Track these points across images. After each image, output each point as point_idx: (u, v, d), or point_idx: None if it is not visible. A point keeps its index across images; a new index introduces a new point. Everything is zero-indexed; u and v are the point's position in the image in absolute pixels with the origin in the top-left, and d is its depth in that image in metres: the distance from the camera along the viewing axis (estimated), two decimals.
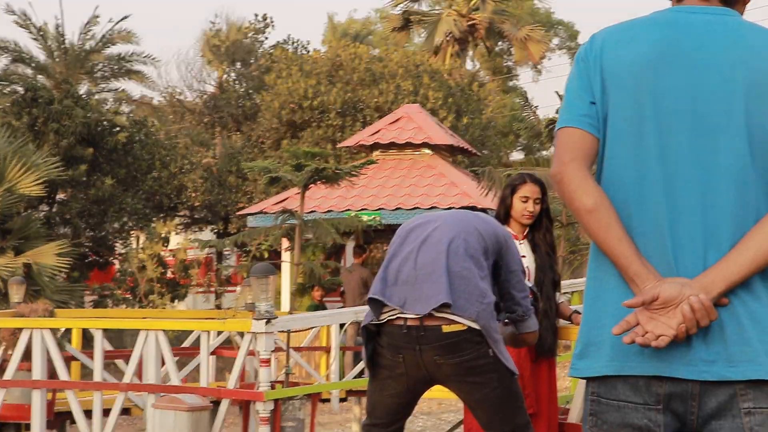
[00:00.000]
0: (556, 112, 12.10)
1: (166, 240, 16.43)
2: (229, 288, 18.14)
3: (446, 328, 3.59)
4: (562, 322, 4.59)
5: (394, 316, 3.67)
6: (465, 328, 3.60)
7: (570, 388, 7.37)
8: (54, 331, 7.39)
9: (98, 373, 7.25)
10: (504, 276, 3.88)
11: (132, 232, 17.95)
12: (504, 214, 4.50)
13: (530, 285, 4.30)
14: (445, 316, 3.60)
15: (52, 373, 7.40)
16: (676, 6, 2.06)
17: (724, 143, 1.91)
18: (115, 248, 17.75)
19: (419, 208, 12.24)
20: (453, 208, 12.02)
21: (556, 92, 11.96)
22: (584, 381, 2.01)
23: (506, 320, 3.97)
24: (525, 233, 4.55)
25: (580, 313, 4.52)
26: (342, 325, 9.48)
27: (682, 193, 1.91)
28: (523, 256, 4.41)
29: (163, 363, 7.14)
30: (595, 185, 1.96)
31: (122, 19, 20.20)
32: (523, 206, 4.44)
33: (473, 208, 4.19)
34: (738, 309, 1.86)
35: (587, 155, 1.99)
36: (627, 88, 1.97)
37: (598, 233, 1.92)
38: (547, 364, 4.61)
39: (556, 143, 2.04)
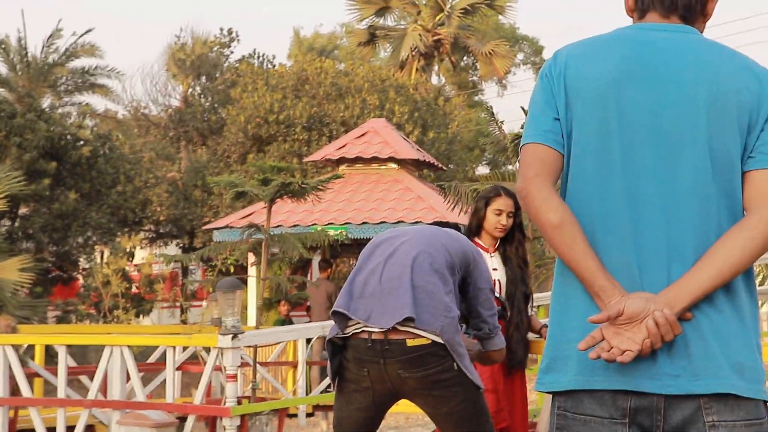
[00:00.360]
0: (521, 127, 12.18)
1: (131, 255, 16.31)
2: (195, 303, 18.03)
3: (410, 342, 3.60)
4: (531, 335, 4.61)
5: (359, 330, 3.68)
6: (429, 342, 3.60)
7: (537, 402, 7.40)
8: (16, 347, 7.30)
9: (62, 390, 7.18)
10: (472, 293, 3.88)
11: (96, 246, 17.79)
12: (476, 226, 4.48)
13: (501, 297, 4.31)
14: (410, 329, 3.61)
15: (14, 390, 7.31)
16: (638, 23, 2.08)
17: (687, 158, 1.93)
18: (79, 263, 17.57)
19: (386, 222, 12.26)
20: (420, 222, 12.06)
21: (522, 107, 12.03)
22: (550, 395, 2.02)
23: (473, 336, 3.97)
24: (496, 246, 4.54)
25: (546, 326, 4.54)
26: (309, 340, 9.45)
27: (645, 207, 1.93)
28: (494, 269, 4.43)
29: (128, 379, 7.09)
30: (559, 201, 1.97)
31: (86, 33, 20.08)
32: (497, 219, 4.43)
33: (446, 224, 4.20)
34: (702, 323, 1.88)
35: (552, 171, 2.01)
36: (591, 104, 1.99)
37: (563, 249, 1.94)
38: (519, 378, 4.62)
39: (521, 159, 2.06)
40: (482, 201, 4.48)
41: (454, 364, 3.63)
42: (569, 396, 1.94)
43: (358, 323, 3.67)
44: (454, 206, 10.44)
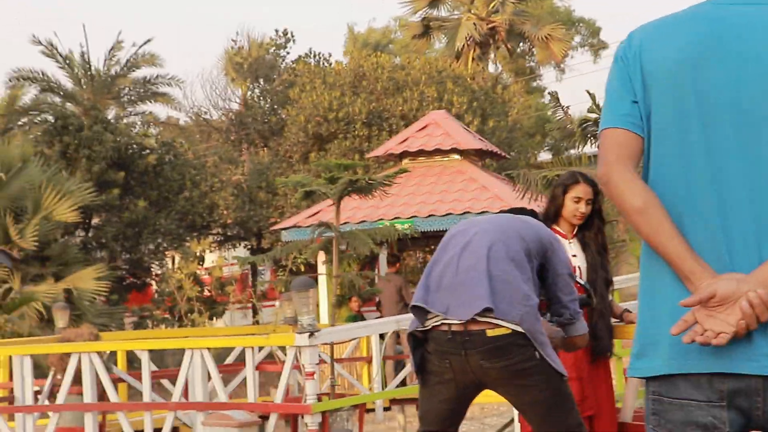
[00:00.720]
0: (589, 111, 12.06)
1: (201, 259, 16.56)
2: (266, 303, 18.24)
3: (490, 333, 3.59)
4: (612, 320, 4.57)
5: (439, 322, 3.68)
6: (510, 331, 3.59)
7: (616, 386, 7.35)
8: (101, 353, 7.50)
9: (147, 394, 7.34)
10: (551, 279, 3.85)
11: (167, 252, 18.11)
12: (554, 213, 4.42)
13: (583, 283, 4.28)
14: (489, 320, 3.60)
15: (101, 396, 7.50)
16: None
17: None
18: (152, 269, 17.92)
19: (452, 214, 12.26)
20: (486, 212, 12.03)
21: (587, 91, 11.92)
22: (642, 380, 2.01)
23: (555, 323, 3.95)
24: (575, 232, 4.48)
25: (630, 311, 4.52)
26: (382, 335, 9.51)
27: (730, 187, 1.91)
28: (574, 256, 4.38)
29: (209, 379, 7.22)
30: (642, 185, 1.96)
31: (145, 43, 20.44)
32: (575, 207, 4.36)
33: (521, 210, 4.18)
34: None
35: (632, 155, 2.00)
36: (669, 86, 1.97)
37: (650, 233, 1.93)
38: (604, 365, 4.57)
39: (600, 144, 2.04)
40: (560, 188, 4.41)
41: (536, 352, 3.61)
42: (664, 381, 1.93)
43: (437, 316, 3.68)
44: (524, 195, 10.37)
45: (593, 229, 4.39)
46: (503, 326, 3.59)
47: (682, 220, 1.94)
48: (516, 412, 7.31)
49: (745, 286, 1.83)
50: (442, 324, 3.67)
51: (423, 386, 3.80)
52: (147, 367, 7.32)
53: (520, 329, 3.59)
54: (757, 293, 1.82)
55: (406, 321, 8.02)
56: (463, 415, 3.88)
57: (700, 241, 1.92)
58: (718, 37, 1.96)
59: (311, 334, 6.49)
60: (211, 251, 20.03)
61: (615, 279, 6.62)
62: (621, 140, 2.00)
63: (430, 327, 3.70)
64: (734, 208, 1.91)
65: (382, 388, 9.31)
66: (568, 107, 11.47)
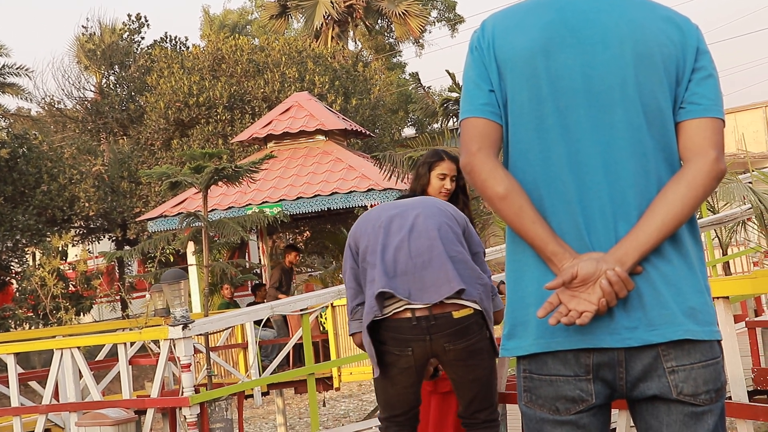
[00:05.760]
0: (449, 90, 12.31)
1: (64, 253, 16.05)
2: (135, 294, 17.85)
3: (456, 314, 3.59)
4: None
5: (402, 308, 3.61)
6: (472, 311, 3.61)
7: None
8: None
9: (15, 398, 7.11)
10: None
11: (27, 248, 17.47)
12: (420, 191, 4.42)
13: None
14: (454, 301, 3.59)
15: None
16: None
17: (620, 117, 1.99)
18: (11, 267, 17.25)
19: (320, 195, 12.28)
20: (354, 192, 12.12)
21: (447, 71, 12.15)
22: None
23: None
24: None
25: (504, 283, 4.66)
26: (258, 322, 9.48)
27: (587, 169, 1.99)
28: None
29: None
30: (504, 172, 2.02)
31: None
32: (441, 183, 4.39)
33: (406, 196, 4.22)
34: (652, 274, 1.96)
35: (493, 143, 2.05)
36: (523, 73, 2.03)
37: (513, 218, 2.00)
38: None
39: (461, 134, 2.09)
40: (425, 166, 4.43)
41: (487, 332, 3.68)
42: (533, 359, 2.01)
43: (399, 302, 3.61)
44: (390, 175, 10.49)
45: (459, 204, 4.42)
46: (467, 306, 3.60)
47: (543, 203, 2.01)
48: None
49: (604, 265, 1.92)
50: (405, 310, 3.60)
51: (382, 376, 3.71)
52: (14, 370, 7.09)
53: (479, 308, 3.62)
54: (615, 271, 1.91)
55: (279, 307, 8.04)
56: (420, 393, 3.83)
57: (561, 223, 2.00)
58: (568, 23, 2.03)
59: (185, 326, 6.42)
60: (73, 245, 19.44)
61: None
62: (481, 129, 2.05)
63: (390, 314, 3.62)
64: (591, 190, 1.99)
65: (259, 375, 9.29)
66: (429, 87, 11.69)
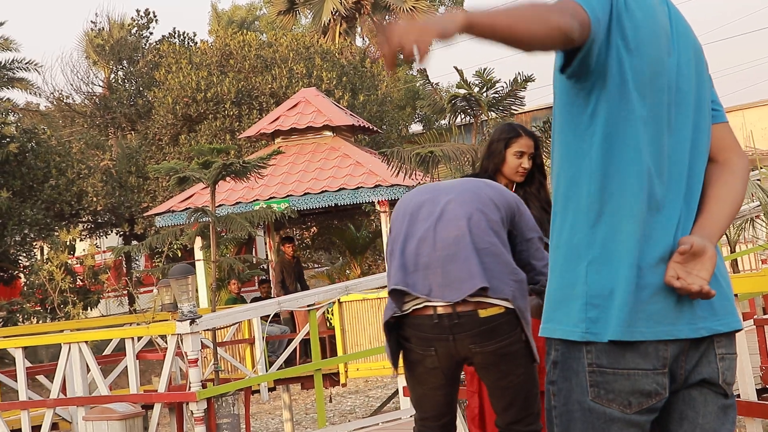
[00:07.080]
0: (457, 87, 12.27)
1: (72, 248, 16.09)
2: (143, 289, 17.88)
3: (483, 313, 3.26)
4: None
5: (421, 305, 3.30)
6: (503, 310, 3.27)
7: None
8: None
9: (23, 392, 7.14)
10: (521, 246, 3.49)
11: (35, 243, 17.51)
12: (493, 170, 3.95)
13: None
14: (480, 299, 3.26)
15: None
16: None
17: (702, 116, 1.98)
18: (20, 261, 17.29)
19: (328, 191, 12.29)
20: (362, 187, 12.13)
21: (455, 67, 12.12)
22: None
23: (529, 291, 3.54)
24: (513, 189, 4.01)
25: None
26: (265, 317, 9.49)
27: (694, 162, 1.95)
28: None
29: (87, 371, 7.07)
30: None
31: None
32: (518, 162, 3.91)
33: (477, 175, 3.83)
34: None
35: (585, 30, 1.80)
36: (643, 54, 1.89)
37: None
38: None
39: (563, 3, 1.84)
40: (501, 143, 3.93)
41: (523, 334, 3.33)
42: (603, 350, 1.87)
43: (418, 298, 3.30)
44: (398, 172, 10.48)
45: (535, 185, 3.98)
46: (496, 305, 3.27)
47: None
48: (401, 385, 7.45)
49: (707, 243, 1.86)
50: (426, 307, 3.29)
51: (410, 375, 3.42)
52: (22, 364, 7.11)
53: (511, 306, 3.28)
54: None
55: (286, 302, 8.04)
56: (456, 398, 3.51)
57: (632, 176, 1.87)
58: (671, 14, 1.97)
59: (192, 321, 6.43)
60: (81, 240, 19.48)
61: None
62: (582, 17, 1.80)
63: (409, 311, 3.32)
64: (676, 166, 1.91)
65: (266, 370, 9.31)
66: (437, 83, 11.65)
